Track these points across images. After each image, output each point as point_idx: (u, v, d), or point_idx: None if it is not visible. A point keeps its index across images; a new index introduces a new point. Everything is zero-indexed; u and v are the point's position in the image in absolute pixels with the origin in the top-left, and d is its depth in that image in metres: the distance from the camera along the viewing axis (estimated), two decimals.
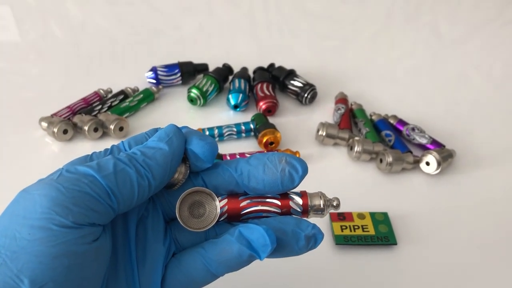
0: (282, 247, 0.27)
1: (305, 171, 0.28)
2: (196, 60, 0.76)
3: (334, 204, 0.29)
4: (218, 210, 0.28)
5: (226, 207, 0.29)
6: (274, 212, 0.29)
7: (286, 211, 0.29)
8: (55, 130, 0.59)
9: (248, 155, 0.56)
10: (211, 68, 0.75)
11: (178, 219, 0.28)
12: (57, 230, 0.22)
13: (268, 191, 0.29)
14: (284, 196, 0.29)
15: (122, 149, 0.28)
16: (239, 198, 0.29)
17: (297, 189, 0.29)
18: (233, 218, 0.29)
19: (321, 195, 0.29)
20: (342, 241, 0.47)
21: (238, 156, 0.56)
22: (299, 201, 0.28)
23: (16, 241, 0.22)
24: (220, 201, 0.29)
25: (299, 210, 0.29)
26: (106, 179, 0.24)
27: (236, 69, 0.75)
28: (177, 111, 0.70)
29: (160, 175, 0.26)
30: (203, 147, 0.28)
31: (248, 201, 0.29)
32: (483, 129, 0.68)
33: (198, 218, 0.28)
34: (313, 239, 0.28)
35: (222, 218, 0.29)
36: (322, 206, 0.29)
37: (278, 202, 0.29)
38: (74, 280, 0.22)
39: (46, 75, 0.78)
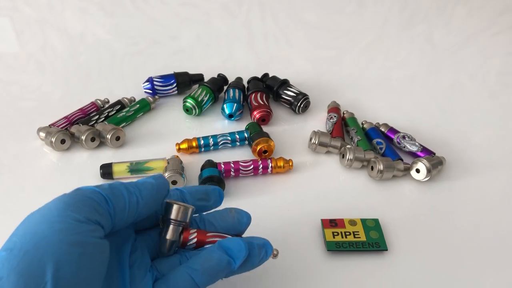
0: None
1: (248, 218, 0.38)
2: (194, 70, 0.77)
3: (275, 253, 0.36)
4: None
5: (196, 239, 0.36)
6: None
7: None
8: (53, 140, 0.60)
9: (242, 163, 0.57)
10: (207, 78, 0.76)
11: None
12: (72, 223, 0.27)
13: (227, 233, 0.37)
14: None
15: None
16: (206, 234, 0.36)
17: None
18: (198, 245, 0.36)
19: None
20: (334, 248, 0.47)
21: (232, 165, 0.57)
22: None
23: (37, 235, 0.26)
24: (191, 233, 0.36)
25: None
26: (104, 191, 0.30)
27: (233, 78, 0.76)
28: (173, 120, 0.71)
29: (147, 197, 0.33)
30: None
31: (212, 234, 0.36)
32: (477, 137, 0.69)
33: None
34: (264, 250, 0.35)
35: (190, 243, 0.36)
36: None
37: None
38: (83, 267, 0.26)
39: (45, 86, 0.79)
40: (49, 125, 0.64)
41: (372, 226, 0.50)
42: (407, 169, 0.59)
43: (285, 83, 0.73)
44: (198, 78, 0.76)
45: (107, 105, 0.71)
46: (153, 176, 0.35)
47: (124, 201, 0.31)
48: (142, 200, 0.32)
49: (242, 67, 0.86)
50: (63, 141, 0.61)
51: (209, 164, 0.57)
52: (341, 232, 0.49)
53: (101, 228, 0.29)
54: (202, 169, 0.57)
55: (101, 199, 0.30)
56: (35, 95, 0.76)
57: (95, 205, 0.29)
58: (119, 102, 0.70)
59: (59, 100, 0.75)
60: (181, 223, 0.35)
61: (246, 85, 0.75)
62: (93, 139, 0.62)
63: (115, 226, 0.31)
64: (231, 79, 0.76)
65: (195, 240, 0.35)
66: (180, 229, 0.35)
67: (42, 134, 0.62)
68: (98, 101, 0.70)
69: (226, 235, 0.36)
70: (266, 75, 0.77)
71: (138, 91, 0.75)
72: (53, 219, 0.27)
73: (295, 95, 0.71)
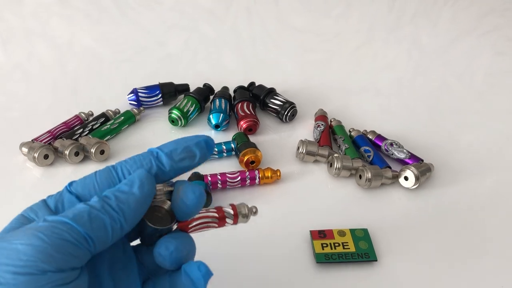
0: None
1: (194, 199, 0.31)
2: (182, 76, 0.77)
3: (254, 210, 0.36)
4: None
5: (176, 225, 0.33)
6: (213, 217, 0.35)
7: (223, 217, 0.35)
8: (36, 155, 0.59)
9: (229, 175, 0.57)
10: (195, 85, 0.75)
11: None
12: (41, 275, 0.24)
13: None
14: (219, 208, 0.35)
15: (73, 191, 0.30)
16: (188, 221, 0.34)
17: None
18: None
19: (245, 205, 0.36)
20: (323, 260, 0.47)
21: (219, 177, 0.56)
22: (231, 211, 0.35)
23: (1, 286, 0.24)
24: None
25: (231, 216, 0.35)
26: (83, 227, 0.26)
27: (221, 85, 0.76)
28: (158, 132, 0.70)
29: (132, 218, 0.29)
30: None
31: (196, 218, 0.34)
32: (464, 139, 0.69)
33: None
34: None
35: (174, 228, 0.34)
36: (246, 212, 0.36)
37: (216, 214, 0.35)
38: None
39: (32, 95, 0.78)
40: (32, 140, 0.63)
41: (361, 236, 0.50)
42: (396, 177, 0.58)
43: (271, 92, 0.72)
44: (183, 88, 0.75)
45: (91, 118, 0.69)
46: (138, 184, 0.29)
47: (107, 233, 0.27)
48: (127, 224, 0.28)
49: (231, 73, 0.86)
50: (46, 156, 0.60)
51: (196, 176, 0.56)
52: (330, 244, 0.49)
53: (76, 270, 0.26)
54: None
55: (80, 239, 0.26)
56: (21, 105, 0.75)
57: (72, 249, 0.25)
58: (103, 114, 0.69)
59: (46, 109, 0.74)
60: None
61: (232, 94, 0.75)
62: (77, 154, 0.61)
63: (94, 254, 0.28)
64: (220, 84, 0.76)
65: (176, 227, 0.33)
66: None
67: (25, 149, 0.61)
68: (82, 114, 0.69)
69: (208, 213, 0.34)
70: (252, 84, 0.76)
71: (123, 100, 0.74)
72: (19, 270, 0.24)
73: (282, 103, 0.70)
